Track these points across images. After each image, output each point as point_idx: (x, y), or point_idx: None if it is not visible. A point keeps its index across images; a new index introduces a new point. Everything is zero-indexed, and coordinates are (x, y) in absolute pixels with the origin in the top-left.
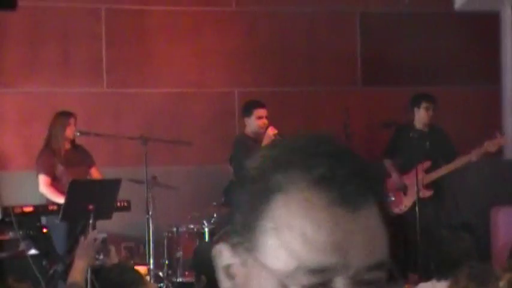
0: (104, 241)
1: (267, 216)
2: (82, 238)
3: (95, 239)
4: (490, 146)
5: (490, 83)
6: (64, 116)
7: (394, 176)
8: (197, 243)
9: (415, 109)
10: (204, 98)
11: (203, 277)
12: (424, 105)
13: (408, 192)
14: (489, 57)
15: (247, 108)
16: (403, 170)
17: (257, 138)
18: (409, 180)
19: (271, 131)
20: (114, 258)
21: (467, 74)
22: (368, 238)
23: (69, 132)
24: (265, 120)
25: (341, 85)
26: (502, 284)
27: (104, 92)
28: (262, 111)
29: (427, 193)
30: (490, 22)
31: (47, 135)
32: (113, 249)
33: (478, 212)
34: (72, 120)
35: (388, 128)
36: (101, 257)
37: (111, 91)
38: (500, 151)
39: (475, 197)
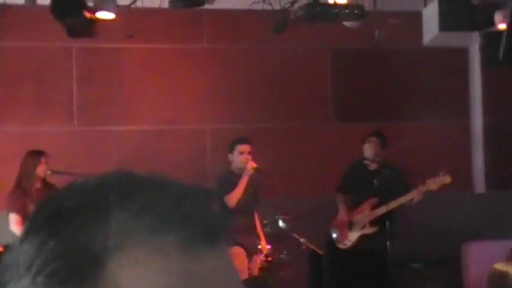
0: None
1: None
2: None
3: None
4: (431, 184)
5: (460, 118)
6: (35, 155)
7: (341, 211)
8: None
9: (363, 146)
10: (177, 136)
11: None
12: (366, 141)
13: (353, 227)
14: (458, 92)
15: (231, 145)
16: (354, 206)
17: (241, 174)
18: (355, 216)
19: (250, 165)
20: None
21: (437, 109)
22: (234, 278)
23: (40, 171)
24: (247, 156)
25: (314, 121)
26: None
27: (75, 130)
28: (243, 147)
29: (371, 229)
30: (459, 57)
31: (18, 174)
32: None
33: (450, 246)
34: (43, 159)
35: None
36: None
37: (82, 129)
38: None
39: (447, 232)
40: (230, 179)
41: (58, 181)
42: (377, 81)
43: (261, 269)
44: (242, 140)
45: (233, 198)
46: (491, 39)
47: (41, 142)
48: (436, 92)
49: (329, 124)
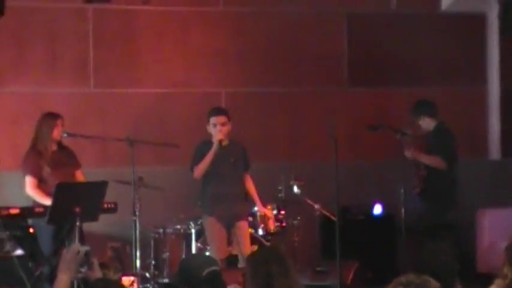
0: (87, 254)
1: None
2: (65, 251)
3: (78, 252)
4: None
5: (476, 84)
6: (51, 117)
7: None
8: (183, 252)
9: None
10: (191, 99)
11: None
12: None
13: None
14: (475, 58)
15: (207, 116)
16: None
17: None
18: None
19: (218, 137)
20: (97, 271)
21: (453, 75)
22: None
23: (56, 133)
24: (219, 128)
25: (327, 86)
26: None
27: (90, 92)
28: (216, 119)
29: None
30: (477, 23)
31: (34, 137)
32: (95, 262)
33: (464, 212)
34: (59, 122)
35: (373, 131)
36: (84, 269)
37: (97, 91)
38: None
39: (461, 198)
40: (202, 150)
41: (73, 143)
42: (392, 46)
43: (274, 234)
44: (214, 112)
45: (198, 171)
46: (510, 7)
47: (55, 103)
48: (452, 58)
49: (343, 89)
